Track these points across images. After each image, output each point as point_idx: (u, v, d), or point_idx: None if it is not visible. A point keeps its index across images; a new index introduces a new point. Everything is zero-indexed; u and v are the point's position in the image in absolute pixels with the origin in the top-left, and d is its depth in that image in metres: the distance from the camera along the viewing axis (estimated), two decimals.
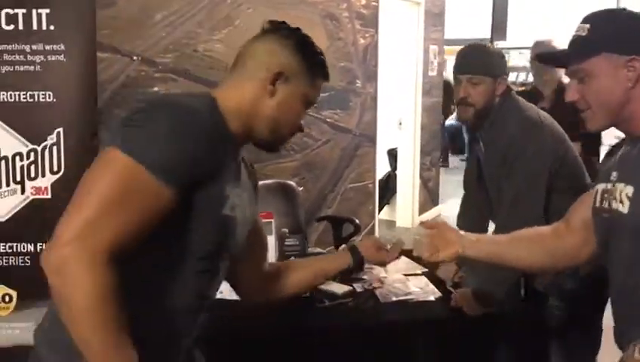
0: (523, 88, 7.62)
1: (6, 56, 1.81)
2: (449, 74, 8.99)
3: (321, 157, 4.25)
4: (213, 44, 3.15)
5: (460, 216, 2.41)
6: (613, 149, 1.45)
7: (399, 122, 5.93)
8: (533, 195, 1.96)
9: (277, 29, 1.28)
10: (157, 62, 2.85)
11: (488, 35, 7.81)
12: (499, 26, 7.87)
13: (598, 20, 1.33)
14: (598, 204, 1.37)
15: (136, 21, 2.74)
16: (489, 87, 1.99)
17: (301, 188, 3.74)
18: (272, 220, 2.18)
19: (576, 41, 1.34)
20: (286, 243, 2.25)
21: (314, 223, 3.85)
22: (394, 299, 2.12)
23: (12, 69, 1.82)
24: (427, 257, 1.58)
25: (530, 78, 8.05)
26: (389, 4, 5.10)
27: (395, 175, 6.01)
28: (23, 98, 1.83)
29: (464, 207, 2.41)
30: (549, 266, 1.60)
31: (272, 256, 2.15)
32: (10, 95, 1.83)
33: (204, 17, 3.09)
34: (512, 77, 7.73)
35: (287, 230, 2.37)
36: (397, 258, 1.66)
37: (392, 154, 6.03)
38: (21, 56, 1.82)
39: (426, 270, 2.48)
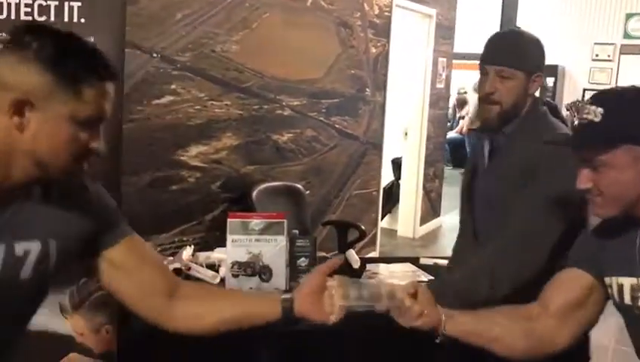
0: None
1: None
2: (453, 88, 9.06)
3: (328, 162, 4.29)
4: (230, 45, 3.19)
5: (458, 240, 2.04)
6: (610, 228, 1.32)
7: (405, 132, 5.97)
8: (545, 232, 1.59)
9: (18, 39, 1.00)
10: (175, 60, 2.89)
11: None
12: None
13: (612, 105, 1.22)
14: (629, 302, 1.26)
15: (157, 18, 2.79)
16: (521, 83, 1.66)
17: (307, 192, 3.78)
18: (285, 221, 2.21)
19: (589, 128, 1.22)
20: (297, 244, 2.27)
21: (319, 227, 3.88)
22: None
23: None
24: (407, 322, 1.29)
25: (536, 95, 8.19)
26: (402, 15, 5.16)
27: (399, 184, 6.05)
28: None
29: (463, 230, 1.98)
30: (523, 351, 1.36)
31: (282, 257, 2.18)
32: None
33: (222, 19, 3.14)
34: None
35: (297, 231, 2.40)
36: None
37: (397, 164, 6.07)
38: None
39: (432, 278, 2.52)
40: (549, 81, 8.09)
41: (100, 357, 1.96)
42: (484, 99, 1.71)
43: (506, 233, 1.64)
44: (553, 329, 1.36)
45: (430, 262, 2.76)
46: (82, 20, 1.85)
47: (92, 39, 1.84)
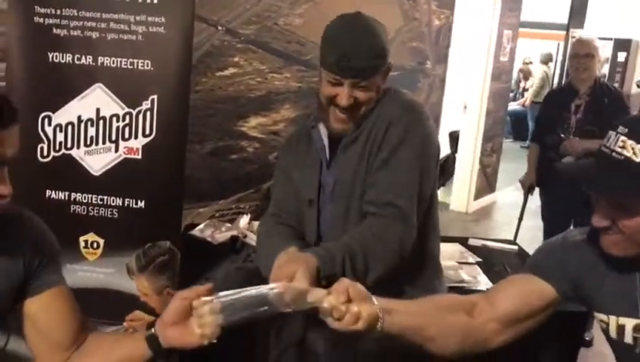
0: None
1: (112, 25, 1.95)
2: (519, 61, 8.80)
3: None
4: (293, 19, 3.24)
5: None
6: (609, 265, 1.20)
7: (464, 105, 5.90)
8: (413, 190, 1.46)
9: None
10: (240, 33, 2.97)
11: (565, 20, 7.58)
12: (578, 11, 7.61)
13: None
14: (630, 342, 1.20)
15: None
16: (379, 81, 1.51)
17: None
18: None
19: (626, 168, 1.05)
20: None
21: None
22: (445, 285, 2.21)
23: (116, 37, 1.96)
24: (344, 326, 1.09)
25: (605, 70, 7.86)
26: None
27: (455, 158, 6.01)
28: (124, 65, 1.97)
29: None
30: (454, 351, 1.25)
31: None
32: (113, 61, 1.97)
33: None
34: None
35: None
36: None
37: (454, 137, 6.02)
38: (125, 26, 1.95)
39: (480, 260, 2.56)
40: (621, 56, 7.74)
41: None
42: (342, 109, 1.48)
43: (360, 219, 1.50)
44: (492, 333, 1.26)
45: (479, 243, 2.78)
46: (155, 1, 1.94)
47: (162, 19, 1.95)
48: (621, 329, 1.20)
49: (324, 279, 1.31)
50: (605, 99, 3.26)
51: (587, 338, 3.35)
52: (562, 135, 3.32)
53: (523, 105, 9.96)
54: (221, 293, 1.08)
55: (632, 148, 1.04)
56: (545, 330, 1.92)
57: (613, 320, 1.21)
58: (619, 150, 1.06)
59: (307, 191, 1.57)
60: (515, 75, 9.03)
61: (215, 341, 1.08)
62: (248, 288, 1.09)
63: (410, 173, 1.48)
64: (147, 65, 1.97)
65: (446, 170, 5.97)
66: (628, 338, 1.20)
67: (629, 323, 1.19)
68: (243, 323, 1.08)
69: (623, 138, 1.06)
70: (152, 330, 1.13)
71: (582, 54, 3.30)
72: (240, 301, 1.07)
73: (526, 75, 10.51)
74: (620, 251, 1.14)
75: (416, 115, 1.53)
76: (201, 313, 1.07)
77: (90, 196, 2.04)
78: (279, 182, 1.66)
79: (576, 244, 1.26)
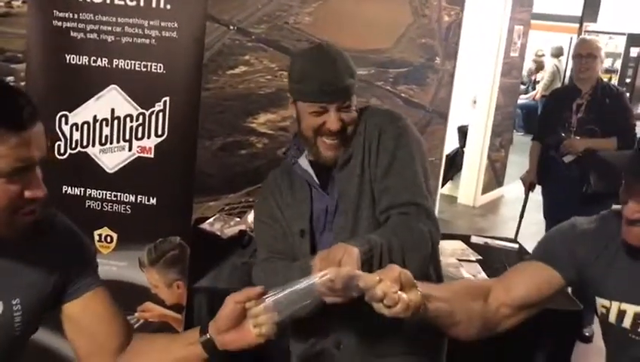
0: (609, 76, 7.42)
1: (127, 29, 2.03)
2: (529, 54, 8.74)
3: None
4: (303, 17, 3.30)
5: None
6: (625, 255, 1.28)
7: (473, 100, 5.94)
8: (423, 187, 1.51)
9: None
10: (250, 32, 3.04)
11: (580, 13, 7.56)
12: (591, 5, 7.58)
13: None
14: (628, 327, 1.29)
15: None
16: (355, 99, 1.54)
17: None
18: None
19: None
20: None
21: None
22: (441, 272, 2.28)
23: (131, 41, 2.03)
24: (396, 313, 1.09)
25: (617, 65, 7.83)
26: None
27: (463, 152, 6.06)
28: (138, 67, 2.04)
29: None
30: (474, 335, 1.32)
31: None
32: (127, 63, 2.05)
33: None
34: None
35: None
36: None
37: (463, 131, 6.06)
38: (139, 30, 2.02)
39: (480, 258, 2.64)
40: (633, 51, 7.71)
41: (171, 309, 2.21)
42: (332, 135, 1.50)
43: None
44: (503, 317, 1.34)
45: (482, 241, 2.85)
46: (168, 7, 2.00)
47: (175, 24, 2.02)
48: (622, 314, 1.28)
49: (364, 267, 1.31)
50: (607, 99, 3.30)
51: (587, 334, 3.41)
52: (563, 134, 3.37)
53: (534, 99, 9.94)
54: (270, 291, 1.10)
55: None
56: (539, 327, 1.99)
57: (615, 305, 1.29)
58: None
59: (298, 223, 1.57)
60: (525, 70, 9.00)
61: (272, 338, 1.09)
62: (295, 281, 1.12)
63: (415, 173, 1.52)
64: (160, 69, 2.05)
65: (454, 164, 6.02)
66: (626, 323, 1.28)
67: (631, 309, 1.27)
68: (295, 317, 1.11)
69: None
70: (207, 336, 1.12)
71: (584, 54, 3.34)
72: (290, 295, 1.09)
73: (538, 67, 10.48)
74: None
75: (402, 121, 1.58)
76: (256, 313, 1.09)
77: (104, 192, 2.13)
78: (263, 229, 1.63)
79: (585, 232, 1.35)
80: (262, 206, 1.66)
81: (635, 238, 1.23)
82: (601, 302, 1.33)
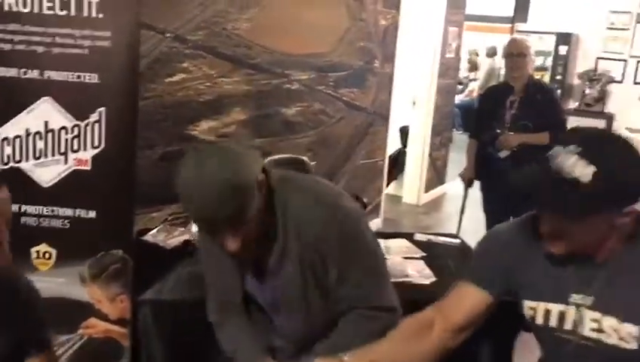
0: (541, 73, 7.72)
1: (58, 39, 1.97)
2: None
3: (335, 134, 4.42)
4: (241, 23, 3.29)
5: None
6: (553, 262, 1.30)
7: (413, 101, 6.06)
8: (385, 278, 1.62)
9: None
10: (188, 39, 3.01)
11: (511, 14, 7.83)
12: (521, 6, 7.86)
13: (604, 166, 1.05)
14: (554, 325, 1.33)
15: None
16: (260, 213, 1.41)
17: (313, 163, 3.92)
18: None
19: (573, 191, 1.07)
20: None
21: None
22: (391, 280, 2.32)
23: (63, 51, 1.98)
24: None
25: (548, 63, 8.14)
26: None
27: (405, 152, 6.17)
28: (71, 78, 1.99)
29: None
30: None
31: None
32: (60, 74, 1.99)
33: None
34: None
35: None
36: None
37: (404, 132, 6.18)
38: (71, 40, 1.97)
39: (425, 254, 2.69)
40: (562, 50, 8.04)
41: (116, 323, 2.16)
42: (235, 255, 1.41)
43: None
44: (448, 340, 1.42)
45: (425, 238, 2.91)
46: (100, 15, 1.96)
47: (108, 33, 1.98)
48: (547, 314, 1.33)
49: None
50: (538, 96, 3.45)
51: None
52: (498, 130, 3.49)
53: (467, 96, 10.26)
54: None
55: (582, 170, 1.04)
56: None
57: (541, 306, 1.34)
58: (568, 170, 1.06)
59: (233, 295, 1.60)
60: (461, 70, 9.25)
61: None
62: None
63: (374, 268, 1.56)
64: (94, 79, 2.00)
65: (397, 164, 6.13)
66: (552, 323, 1.33)
67: (555, 308, 1.32)
68: None
69: (574, 159, 1.05)
70: None
71: (515, 53, 3.48)
72: None
73: (473, 66, 10.80)
74: (559, 251, 1.24)
75: (325, 197, 1.50)
76: None
77: (40, 208, 2.07)
78: (210, 267, 1.65)
79: (507, 241, 1.40)
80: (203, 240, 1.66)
81: (550, 250, 1.26)
82: (528, 304, 1.38)
